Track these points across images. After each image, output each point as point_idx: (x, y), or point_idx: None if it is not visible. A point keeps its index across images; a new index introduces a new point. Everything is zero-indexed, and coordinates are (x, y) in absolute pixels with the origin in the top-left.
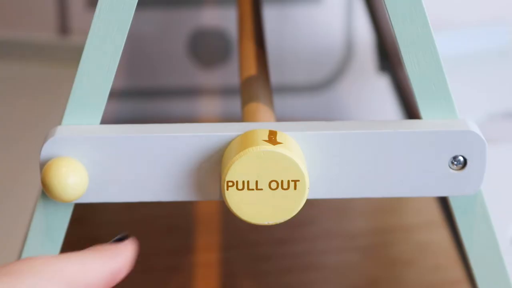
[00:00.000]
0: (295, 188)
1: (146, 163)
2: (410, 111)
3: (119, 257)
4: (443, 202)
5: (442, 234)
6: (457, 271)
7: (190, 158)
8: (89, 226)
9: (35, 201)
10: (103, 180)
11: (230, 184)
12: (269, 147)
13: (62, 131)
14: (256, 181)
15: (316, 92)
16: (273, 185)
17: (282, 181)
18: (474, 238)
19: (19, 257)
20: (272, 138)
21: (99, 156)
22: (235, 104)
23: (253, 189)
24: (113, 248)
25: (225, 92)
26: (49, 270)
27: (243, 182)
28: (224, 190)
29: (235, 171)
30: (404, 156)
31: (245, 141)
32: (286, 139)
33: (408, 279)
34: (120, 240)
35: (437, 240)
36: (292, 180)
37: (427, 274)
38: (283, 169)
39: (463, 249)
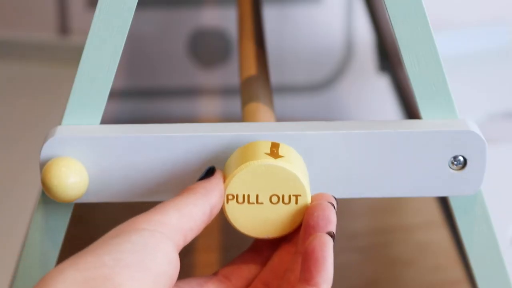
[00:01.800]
0: (296, 203)
1: (146, 163)
2: (410, 111)
3: (214, 192)
4: (443, 202)
5: (442, 234)
6: (457, 271)
7: (190, 158)
8: (89, 226)
9: (35, 201)
10: (103, 180)
11: (230, 197)
12: (271, 160)
13: (62, 131)
14: (257, 195)
15: (316, 92)
16: (274, 199)
17: (283, 196)
18: (474, 238)
19: (19, 257)
20: (274, 151)
21: (99, 156)
22: (235, 104)
23: (253, 203)
24: (206, 184)
25: (225, 92)
26: (151, 225)
27: (244, 195)
28: (224, 203)
29: (236, 185)
30: (404, 156)
31: (246, 154)
32: (288, 152)
33: (408, 279)
34: (209, 172)
35: (437, 240)
36: (293, 195)
37: (427, 274)
38: (285, 183)
39: (463, 249)
